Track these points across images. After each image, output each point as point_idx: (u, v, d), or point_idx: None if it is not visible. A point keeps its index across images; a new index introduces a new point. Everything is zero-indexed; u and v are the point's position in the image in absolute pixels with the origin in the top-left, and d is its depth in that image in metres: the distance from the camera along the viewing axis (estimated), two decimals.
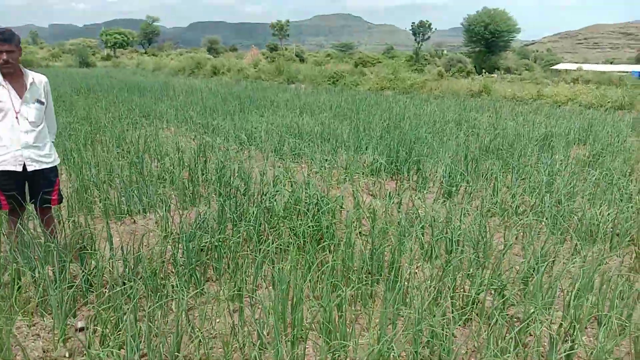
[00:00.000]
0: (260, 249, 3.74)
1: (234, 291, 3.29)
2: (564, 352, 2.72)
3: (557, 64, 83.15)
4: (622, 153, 7.64)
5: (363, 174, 6.53)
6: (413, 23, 61.57)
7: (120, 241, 3.91)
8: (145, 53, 72.76)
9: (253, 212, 4.25)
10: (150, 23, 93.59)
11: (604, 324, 2.93)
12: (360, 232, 4.44)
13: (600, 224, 4.54)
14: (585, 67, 70.17)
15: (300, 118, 10.81)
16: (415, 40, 62.35)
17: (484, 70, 54.16)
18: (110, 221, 4.52)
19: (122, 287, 3.08)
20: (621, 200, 5.35)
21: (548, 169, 6.31)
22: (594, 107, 15.00)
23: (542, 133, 9.08)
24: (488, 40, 52.76)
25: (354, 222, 4.37)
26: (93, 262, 3.49)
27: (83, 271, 3.28)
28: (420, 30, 61.55)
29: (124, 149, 7.43)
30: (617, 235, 4.45)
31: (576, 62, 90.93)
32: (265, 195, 4.88)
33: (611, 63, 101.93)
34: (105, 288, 3.17)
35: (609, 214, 4.78)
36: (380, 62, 49.71)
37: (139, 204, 5.04)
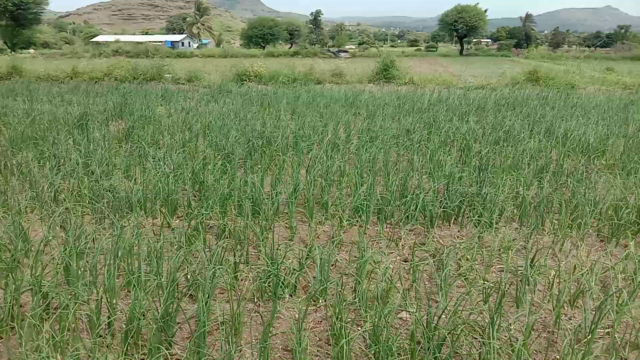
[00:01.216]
0: None
1: None
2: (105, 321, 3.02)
3: (96, 36, 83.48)
4: (153, 123, 8.56)
5: None
6: None
7: None
8: None
9: None
10: None
11: (134, 286, 3.37)
12: None
13: (132, 194, 5.02)
14: (123, 38, 73.39)
15: None
16: None
17: (17, 47, 48.90)
18: None
19: None
20: (153, 168, 6.04)
21: (84, 151, 6.46)
22: (128, 81, 16.01)
23: (79, 113, 9.12)
24: (13, 13, 47.33)
25: None
26: None
27: None
28: None
29: None
30: (148, 201, 5.05)
31: (115, 34, 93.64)
32: None
33: (147, 34, 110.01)
34: None
35: (135, 183, 5.35)
36: None
37: None
